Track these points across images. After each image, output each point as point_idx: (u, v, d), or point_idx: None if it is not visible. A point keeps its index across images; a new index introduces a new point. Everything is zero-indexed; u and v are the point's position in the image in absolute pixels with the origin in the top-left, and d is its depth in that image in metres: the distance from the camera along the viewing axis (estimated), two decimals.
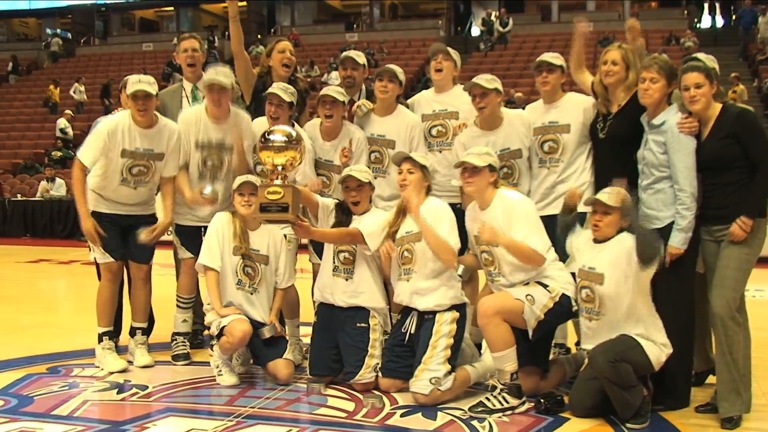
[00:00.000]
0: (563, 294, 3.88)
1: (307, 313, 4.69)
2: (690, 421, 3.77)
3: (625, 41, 4.34)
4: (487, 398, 3.84)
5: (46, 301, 8.14)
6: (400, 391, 4.12)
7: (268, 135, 3.94)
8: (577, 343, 4.32)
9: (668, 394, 3.89)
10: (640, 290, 3.69)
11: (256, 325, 4.33)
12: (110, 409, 3.99)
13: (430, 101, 4.76)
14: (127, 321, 4.92)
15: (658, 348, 3.68)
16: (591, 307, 3.80)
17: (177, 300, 4.84)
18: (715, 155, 3.72)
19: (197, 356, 4.86)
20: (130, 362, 4.68)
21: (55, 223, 14.18)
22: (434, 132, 4.68)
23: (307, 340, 4.73)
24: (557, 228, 4.08)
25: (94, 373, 4.53)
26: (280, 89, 4.55)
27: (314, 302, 4.49)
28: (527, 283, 3.92)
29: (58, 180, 15.04)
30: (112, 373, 4.51)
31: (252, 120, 4.81)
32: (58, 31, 31.10)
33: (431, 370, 3.93)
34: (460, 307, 4.08)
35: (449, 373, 3.95)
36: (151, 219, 4.78)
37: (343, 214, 4.30)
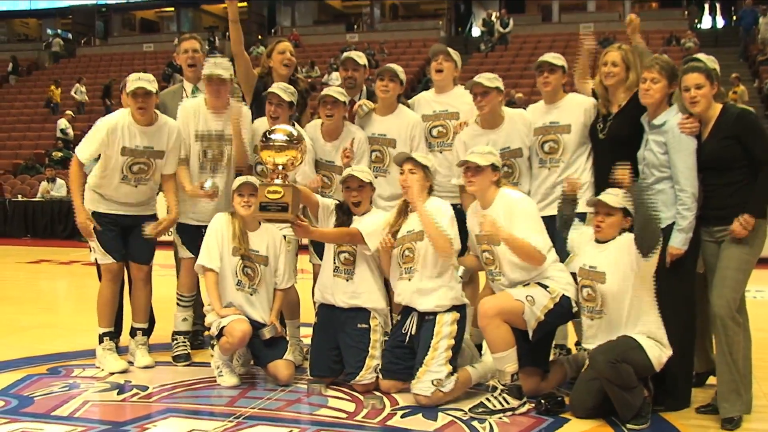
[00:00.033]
0: (563, 295, 3.88)
1: (308, 313, 4.69)
2: (690, 422, 3.77)
3: (625, 42, 4.34)
4: (487, 399, 3.84)
5: (47, 301, 8.14)
6: (401, 392, 4.12)
7: (269, 134, 3.95)
8: (577, 343, 4.33)
9: (669, 395, 3.89)
10: (643, 283, 3.69)
11: (256, 326, 4.33)
12: (111, 409, 3.99)
13: (430, 102, 4.76)
14: (127, 322, 4.92)
15: (659, 349, 3.68)
16: (592, 306, 3.80)
17: (177, 298, 4.84)
18: (716, 156, 3.72)
19: (198, 357, 4.86)
20: (131, 363, 4.68)
21: (55, 224, 14.17)
22: (435, 132, 4.68)
23: (307, 341, 4.73)
24: (557, 224, 4.08)
25: (95, 374, 4.53)
26: (280, 89, 4.56)
27: (315, 303, 4.49)
28: (527, 284, 3.92)
29: (59, 180, 15.03)
30: (113, 373, 4.51)
31: (253, 121, 4.82)
32: (59, 31, 31.09)
33: (433, 372, 3.92)
34: (460, 308, 4.07)
35: (451, 374, 3.95)
36: (152, 220, 4.77)
37: (344, 214, 4.30)
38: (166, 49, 23.36)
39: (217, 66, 4.60)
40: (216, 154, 4.70)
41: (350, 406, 3.97)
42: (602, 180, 4.11)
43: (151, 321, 4.98)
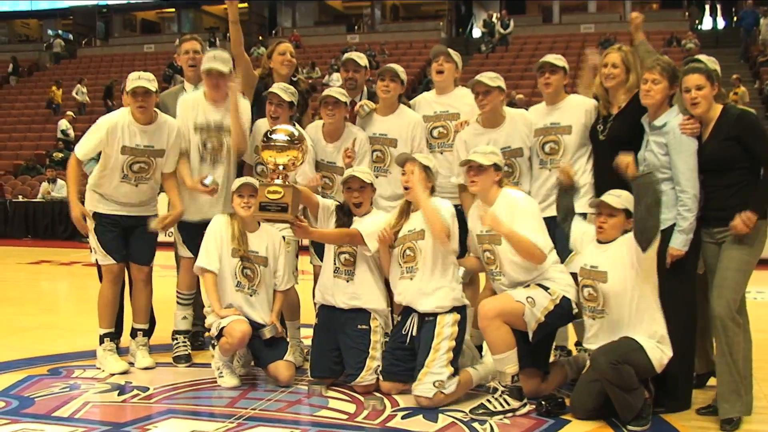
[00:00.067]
0: (564, 296, 3.88)
1: (309, 314, 4.69)
2: (691, 423, 3.77)
3: (627, 43, 4.34)
4: (488, 400, 3.84)
5: (47, 302, 8.14)
6: (402, 393, 4.12)
7: (270, 134, 3.95)
8: (577, 344, 4.33)
9: (669, 396, 3.88)
10: (645, 279, 3.68)
11: (256, 327, 4.33)
12: (111, 410, 3.99)
13: (431, 102, 4.77)
14: (128, 322, 4.92)
15: (660, 350, 3.68)
16: (594, 306, 3.80)
17: (177, 296, 4.85)
18: (716, 157, 3.72)
19: (198, 358, 4.86)
20: (132, 364, 4.68)
21: (56, 225, 14.18)
22: (435, 133, 4.68)
23: (308, 342, 4.73)
24: (557, 217, 4.09)
25: (95, 375, 4.54)
26: (280, 89, 4.57)
27: (315, 304, 4.49)
28: (528, 285, 3.92)
29: (60, 181, 15.02)
30: (113, 374, 4.51)
31: (254, 121, 4.83)
32: (60, 32, 31.11)
33: (434, 373, 3.92)
34: (460, 309, 4.07)
35: (452, 375, 3.95)
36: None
37: (344, 215, 4.30)
38: (167, 50, 23.36)
39: (216, 60, 4.62)
40: (215, 145, 4.70)
41: (351, 408, 3.97)
42: (602, 181, 4.11)
43: (152, 322, 4.98)
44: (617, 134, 4.12)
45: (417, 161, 4.11)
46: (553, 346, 4.38)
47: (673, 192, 3.82)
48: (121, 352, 4.77)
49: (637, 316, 3.70)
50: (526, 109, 4.76)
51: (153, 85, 4.48)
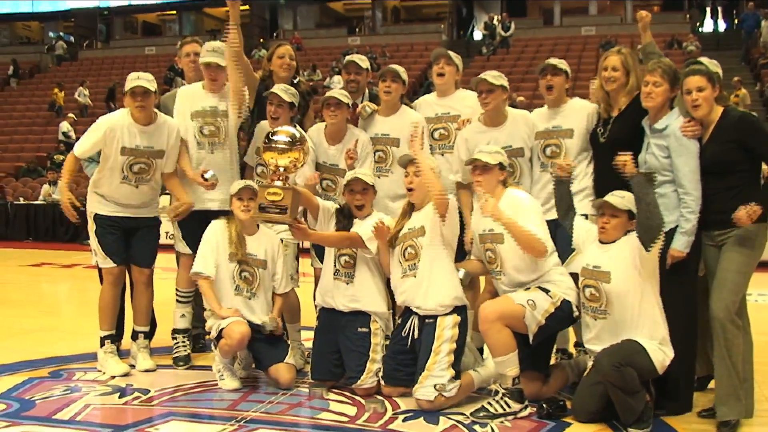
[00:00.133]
0: (565, 299, 3.88)
1: (310, 317, 4.69)
2: (692, 426, 3.77)
3: (627, 45, 4.34)
4: (489, 403, 3.84)
5: (48, 304, 8.14)
6: (402, 396, 4.11)
7: (272, 136, 3.95)
8: (577, 344, 4.32)
9: (670, 399, 3.88)
10: (648, 279, 3.69)
11: (256, 329, 4.33)
12: (112, 413, 3.99)
13: (432, 105, 4.77)
14: (129, 325, 4.92)
15: (662, 352, 3.67)
16: (596, 306, 3.80)
17: (176, 294, 4.85)
18: (716, 159, 3.72)
19: (199, 360, 4.86)
20: (133, 366, 4.68)
21: (57, 227, 14.17)
22: (436, 135, 4.68)
23: (308, 344, 4.73)
24: (557, 213, 4.09)
25: (96, 377, 4.54)
26: (281, 89, 4.58)
27: (316, 306, 4.49)
28: (528, 288, 3.92)
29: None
30: (114, 376, 4.51)
31: (255, 124, 4.83)
32: (61, 34, 31.14)
33: (435, 377, 3.92)
34: (461, 311, 4.07)
35: (453, 378, 3.94)
36: (154, 222, 4.79)
37: (345, 218, 4.30)
38: (168, 52, 23.32)
39: (215, 53, 4.64)
40: (213, 130, 4.70)
41: (352, 410, 3.97)
42: (603, 184, 4.11)
43: (153, 324, 4.98)
44: (618, 136, 4.12)
45: (419, 162, 4.10)
46: (554, 349, 4.37)
47: (674, 194, 3.81)
48: (122, 354, 4.77)
49: (639, 317, 3.70)
50: (529, 111, 4.76)
51: (152, 85, 4.49)
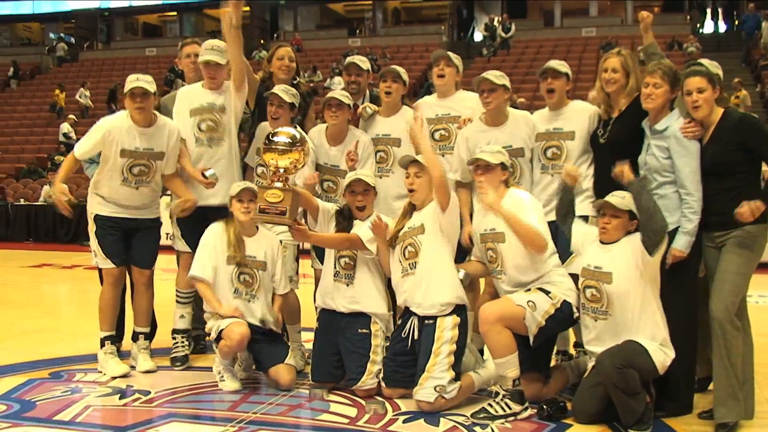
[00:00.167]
0: (565, 300, 3.88)
1: (310, 318, 4.69)
2: (692, 427, 3.76)
3: (627, 46, 4.34)
4: (489, 404, 3.84)
5: (49, 305, 8.14)
6: (403, 397, 4.11)
7: (272, 137, 3.96)
8: (576, 344, 4.32)
9: (670, 400, 3.88)
10: (649, 279, 3.69)
11: (256, 331, 4.33)
12: (112, 414, 3.99)
13: (432, 106, 4.77)
14: (129, 326, 4.92)
15: (663, 353, 3.67)
16: (597, 307, 3.79)
17: (176, 295, 4.85)
18: (717, 160, 3.72)
19: (199, 361, 4.86)
20: (133, 367, 4.68)
21: (57, 228, 14.18)
22: (437, 136, 4.68)
23: (309, 346, 4.73)
24: (556, 217, 4.09)
25: (97, 378, 4.54)
26: (281, 90, 4.59)
27: (316, 308, 4.49)
28: (529, 289, 3.92)
29: None
30: (115, 378, 4.51)
31: (255, 125, 4.84)
32: (62, 35, 31.16)
33: (435, 378, 3.92)
34: (461, 312, 4.06)
35: (454, 380, 3.94)
36: (155, 223, 4.79)
37: (344, 219, 4.30)
38: (168, 53, 23.34)
39: (213, 51, 4.65)
40: (210, 125, 4.71)
41: (352, 411, 3.97)
42: (603, 184, 4.11)
43: (153, 325, 4.98)
44: (618, 137, 4.12)
45: (419, 162, 4.11)
46: (555, 351, 4.37)
47: (675, 195, 3.82)
48: (123, 355, 4.78)
49: (640, 318, 3.70)
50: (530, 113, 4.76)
51: (151, 87, 4.49)
